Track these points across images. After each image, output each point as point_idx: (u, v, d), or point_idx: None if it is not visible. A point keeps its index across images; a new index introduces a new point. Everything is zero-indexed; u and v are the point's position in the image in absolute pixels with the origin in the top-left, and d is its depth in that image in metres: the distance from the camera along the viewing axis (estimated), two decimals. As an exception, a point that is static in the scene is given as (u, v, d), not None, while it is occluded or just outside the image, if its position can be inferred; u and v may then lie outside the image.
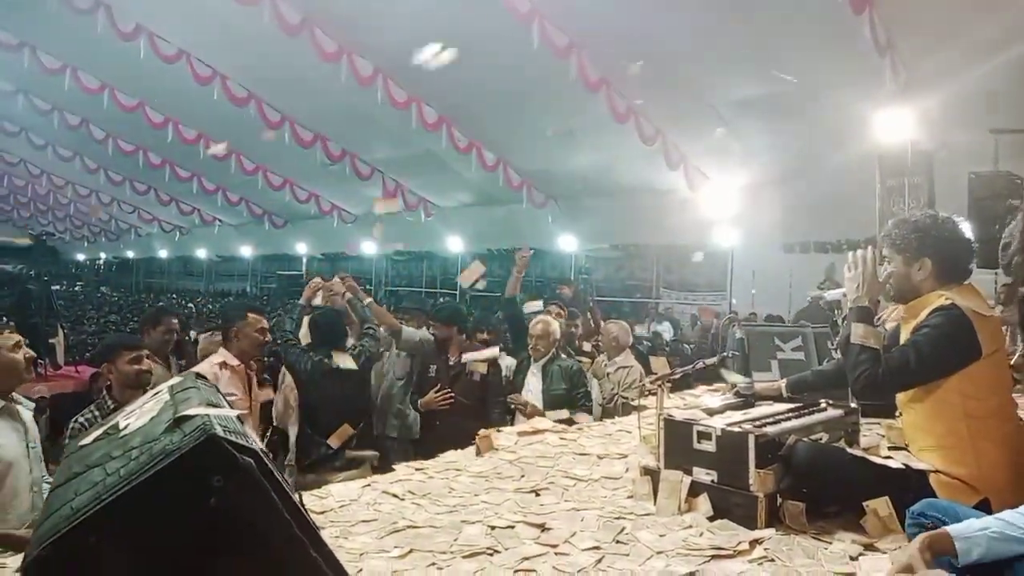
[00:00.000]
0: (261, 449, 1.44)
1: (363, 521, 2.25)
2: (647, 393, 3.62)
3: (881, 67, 8.02)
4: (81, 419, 3.08)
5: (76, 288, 23.83)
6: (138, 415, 1.72)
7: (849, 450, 2.29)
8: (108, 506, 1.27)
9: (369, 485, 2.61)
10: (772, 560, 1.97)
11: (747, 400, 2.73)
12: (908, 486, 2.11)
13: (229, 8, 10.22)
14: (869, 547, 2.06)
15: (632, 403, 4.53)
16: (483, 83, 11.23)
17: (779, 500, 2.25)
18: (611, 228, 14.62)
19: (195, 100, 13.27)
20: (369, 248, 18.97)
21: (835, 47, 8.20)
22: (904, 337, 2.33)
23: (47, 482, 2.71)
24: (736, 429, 2.29)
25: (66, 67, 13.55)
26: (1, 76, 14.41)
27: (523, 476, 2.74)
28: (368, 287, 17.81)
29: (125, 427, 1.68)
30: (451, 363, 4.72)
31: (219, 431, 1.35)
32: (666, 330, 12.60)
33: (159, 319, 4.46)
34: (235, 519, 1.31)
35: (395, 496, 2.50)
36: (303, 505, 1.46)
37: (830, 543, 2.10)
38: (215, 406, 1.58)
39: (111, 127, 16.13)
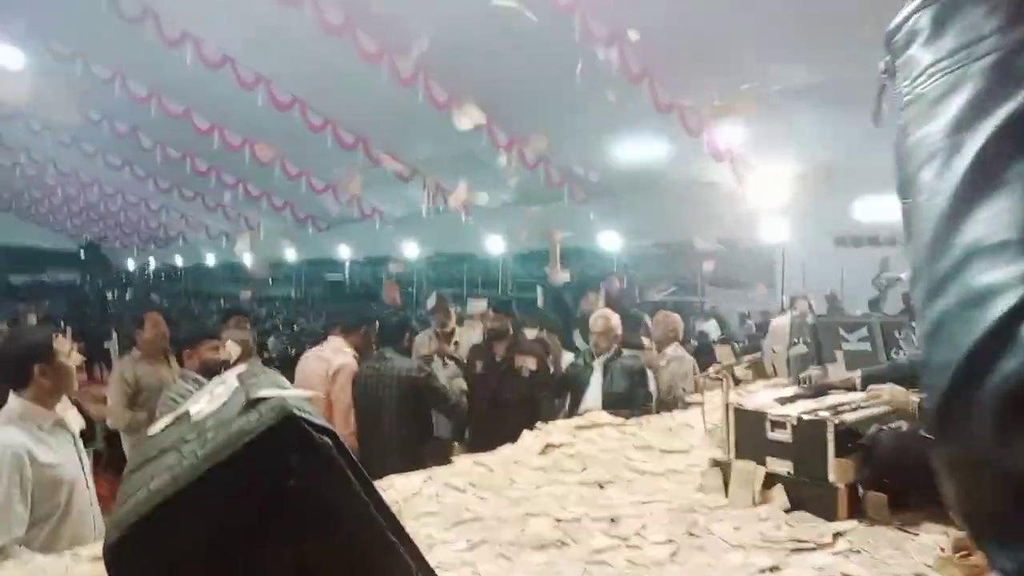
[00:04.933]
0: (334, 429, 1.40)
1: (427, 513, 2.21)
2: (708, 385, 3.53)
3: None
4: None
5: (127, 295, 24.37)
6: (208, 401, 1.71)
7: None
8: (187, 487, 1.24)
9: (430, 478, 2.58)
10: (858, 552, 1.88)
11: (819, 390, 2.63)
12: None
13: (272, 12, 10.35)
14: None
15: (686, 400, 4.44)
16: (523, 80, 11.18)
17: (860, 491, 2.15)
18: (654, 224, 14.42)
19: (240, 105, 13.48)
20: (411, 251, 19.04)
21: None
22: None
23: None
24: (813, 417, 2.20)
25: (116, 76, 13.88)
26: (56, 87, 14.79)
27: (585, 469, 2.68)
28: (410, 289, 17.90)
29: (196, 413, 1.66)
30: (498, 359, 4.67)
31: (296, 411, 1.32)
32: (712, 328, 12.38)
33: (142, 319, 4.53)
34: (313, 499, 1.27)
35: (457, 489, 2.46)
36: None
37: (917, 535, 2.00)
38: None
39: (159, 135, 16.47)
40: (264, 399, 1.41)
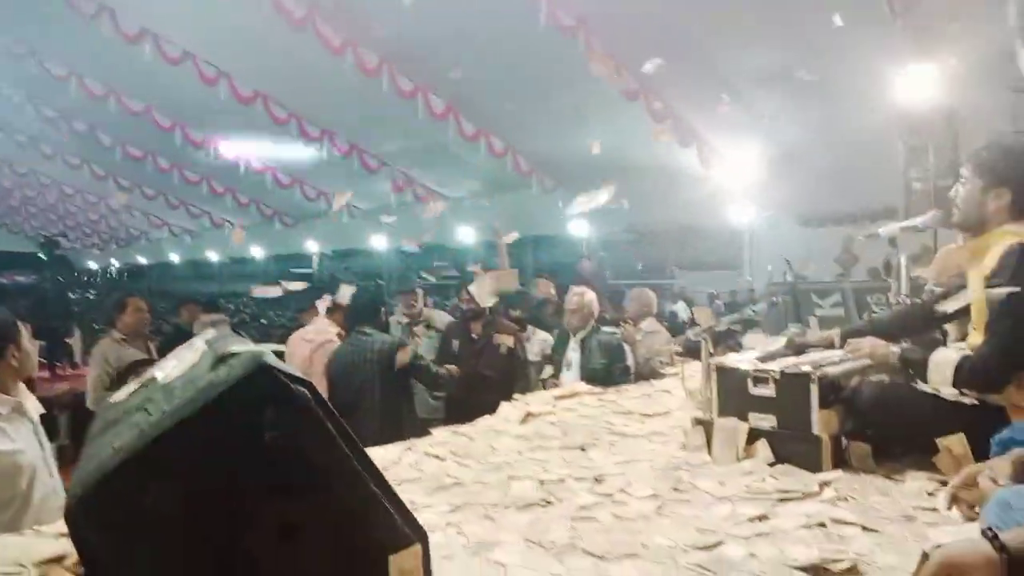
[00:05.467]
0: (310, 382, 1.35)
1: (408, 480, 2.16)
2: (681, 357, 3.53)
3: (899, 30, 7.86)
4: None
5: (90, 296, 23.86)
6: (175, 366, 1.64)
7: (919, 387, 2.17)
8: (155, 442, 1.18)
9: (410, 448, 2.53)
10: (845, 499, 1.87)
11: (799, 348, 2.62)
12: (984, 423, 1.99)
13: (232, 5, 10.14)
14: (945, 484, 1.95)
15: (662, 370, 4.44)
16: (489, 68, 11.11)
17: (844, 442, 2.14)
18: (623, 210, 14.44)
19: (202, 102, 13.21)
20: (379, 243, 18.89)
21: (854, 12, 8.04)
22: (973, 282, 2.18)
23: None
24: (796, 371, 2.19)
25: (72, 73, 13.52)
26: (10, 85, 14.40)
27: (566, 435, 2.65)
28: (380, 281, 17.78)
29: (163, 377, 1.59)
30: (475, 337, 4.63)
31: (270, 363, 1.26)
32: (682, 309, 12.47)
33: (124, 303, 4.58)
34: (291, 452, 1.21)
35: (437, 457, 2.41)
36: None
37: (903, 481, 2.00)
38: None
39: (119, 133, 16.10)
40: (235, 354, 1.36)
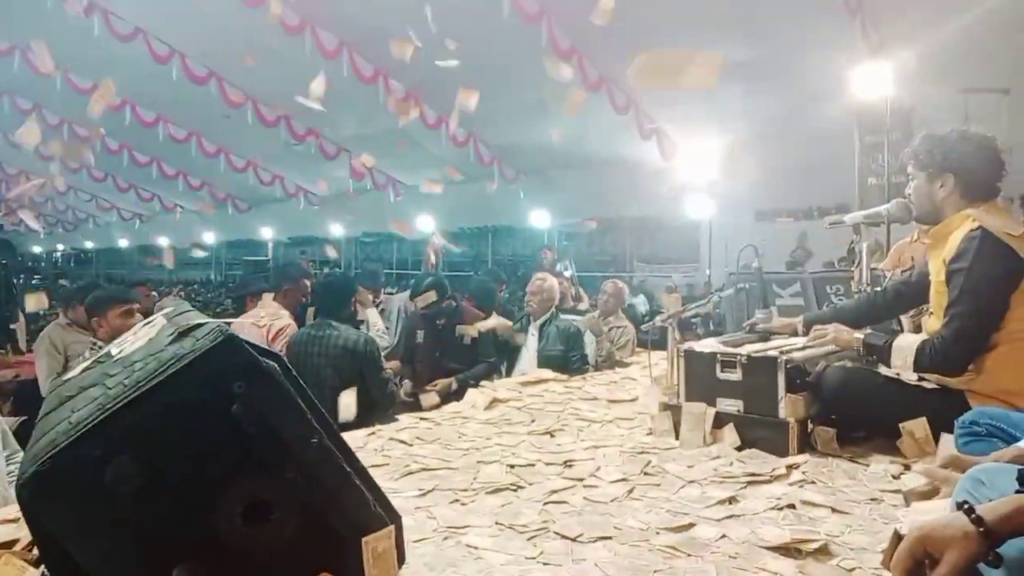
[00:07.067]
0: (280, 354, 1.30)
1: (374, 466, 2.11)
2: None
3: (854, 28, 8.01)
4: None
5: (35, 281, 23.07)
6: (132, 342, 1.56)
7: (882, 372, 2.20)
8: (116, 415, 1.11)
9: (374, 433, 2.48)
10: (813, 482, 1.89)
11: (762, 335, 2.64)
12: (945, 407, 2.03)
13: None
14: (908, 468, 1.98)
15: (624, 362, 4.46)
16: (451, 56, 11.00)
17: (810, 427, 2.16)
18: (583, 202, 14.51)
19: (153, 80, 12.82)
20: (337, 230, 18.64)
21: (810, 9, 8.18)
22: (934, 266, 2.21)
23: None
24: (763, 355, 2.20)
25: (15, 48, 13.00)
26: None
27: (534, 421, 2.63)
28: (337, 269, 17.54)
29: (119, 352, 1.52)
30: (440, 327, 4.55)
31: (237, 335, 1.20)
32: (641, 303, 12.56)
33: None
34: (260, 426, 1.16)
35: (403, 442, 2.37)
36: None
37: (867, 465, 2.02)
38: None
39: (65, 111, 15.55)
40: (199, 325, 1.30)
